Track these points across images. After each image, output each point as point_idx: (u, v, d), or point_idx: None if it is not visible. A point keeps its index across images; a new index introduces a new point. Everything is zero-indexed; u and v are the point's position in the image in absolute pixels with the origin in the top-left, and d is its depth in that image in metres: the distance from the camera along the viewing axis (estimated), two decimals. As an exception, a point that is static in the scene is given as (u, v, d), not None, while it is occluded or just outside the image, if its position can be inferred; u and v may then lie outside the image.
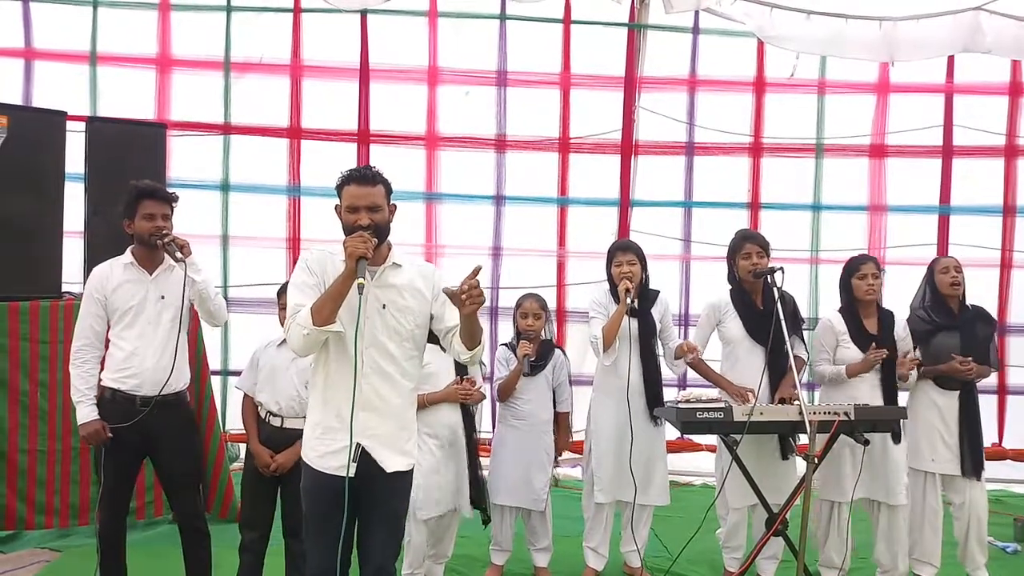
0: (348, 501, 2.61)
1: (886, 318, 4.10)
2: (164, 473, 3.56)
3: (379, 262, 2.77)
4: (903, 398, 4.16)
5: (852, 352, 4.01)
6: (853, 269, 4.09)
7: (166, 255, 3.42)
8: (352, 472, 2.68)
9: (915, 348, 4.15)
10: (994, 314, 5.04)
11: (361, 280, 2.55)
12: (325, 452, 2.74)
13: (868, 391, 3.98)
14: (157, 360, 3.38)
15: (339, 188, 2.77)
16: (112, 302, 3.41)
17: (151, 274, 3.44)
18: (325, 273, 2.73)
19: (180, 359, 3.45)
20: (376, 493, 2.77)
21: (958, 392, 4.06)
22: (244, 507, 3.67)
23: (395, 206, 2.84)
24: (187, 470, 3.56)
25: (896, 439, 3.93)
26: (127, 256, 3.46)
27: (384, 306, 2.75)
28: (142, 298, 3.40)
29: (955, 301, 4.13)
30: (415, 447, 2.92)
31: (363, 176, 2.74)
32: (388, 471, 2.75)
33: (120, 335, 3.41)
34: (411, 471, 2.87)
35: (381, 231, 2.72)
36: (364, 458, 2.73)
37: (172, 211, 3.50)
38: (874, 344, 3.96)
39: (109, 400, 3.39)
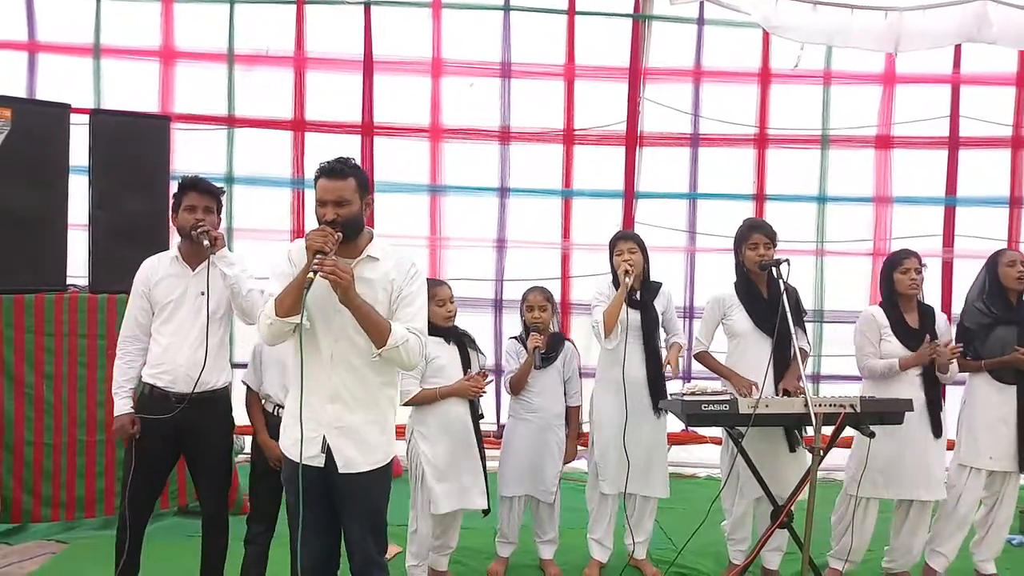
0: (302, 490, 2.66)
1: (927, 313, 4.06)
2: (196, 468, 3.55)
3: (354, 255, 2.77)
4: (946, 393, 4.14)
5: (894, 345, 3.98)
6: (896, 263, 4.06)
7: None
8: (317, 464, 2.74)
9: (972, 342, 4.11)
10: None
11: (311, 275, 2.55)
12: (295, 440, 2.75)
13: (909, 387, 3.93)
14: (190, 356, 3.34)
15: (315, 181, 2.77)
16: (154, 295, 3.40)
17: (193, 269, 3.41)
18: (302, 265, 2.72)
19: (216, 356, 3.42)
20: (347, 487, 2.78)
21: (1015, 387, 4.03)
22: (252, 501, 3.66)
23: (371, 199, 2.83)
24: (218, 469, 3.55)
25: (937, 433, 3.92)
26: (174, 250, 3.46)
27: (305, 297, 2.67)
28: (181, 293, 3.39)
29: (1015, 295, 4.08)
30: (390, 441, 2.89)
31: (331, 170, 2.73)
32: (342, 471, 2.74)
33: (159, 330, 3.40)
34: (383, 467, 2.85)
35: (349, 225, 2.70)
36: (332, 452, 2.75)
37: (220, 205, 3.48)
38: (928, 338, 3.92)
39: (147, 396, 3.39)
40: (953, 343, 4.00)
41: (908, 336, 3.98)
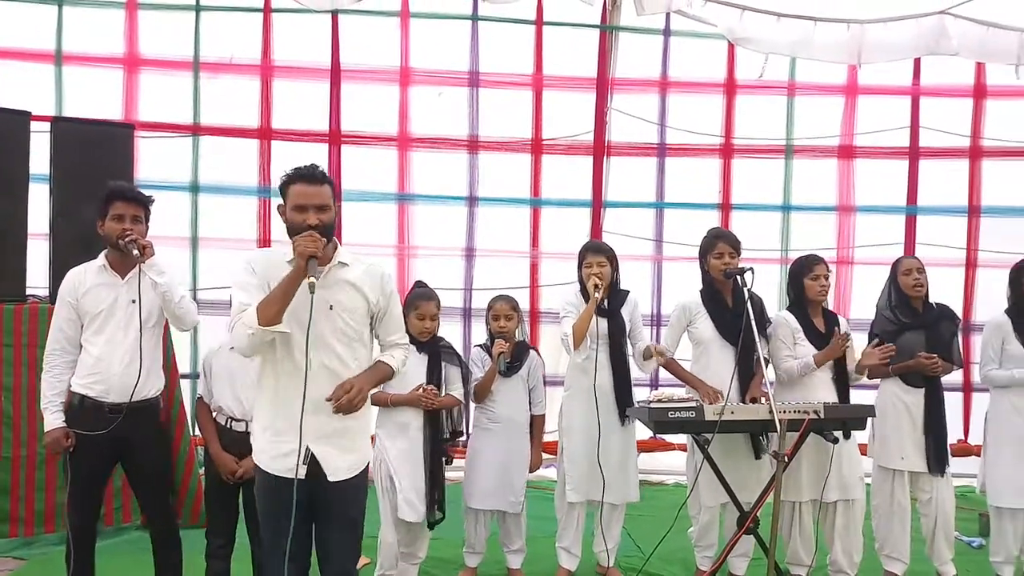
0: (296, 503, 2.62)
1: (830, 318, 4.16)
2: (135, 479, 3.50)
3: (324, 261, 2.75)
4: (863, 396, 4.22)
5: (807, 348, 4.05)
6: (806, 269, 4.13)
7: None
8: (302, 474, 2.69)
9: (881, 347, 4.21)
10: (959, 312, 5.10)
11: (312, 279, 2.55)
12: (276, 455, 2.73)
13: (824, 390, 4.02)
14: (125, 366, 3.30)
15: (284, 186, 2.75)
16: (83, 306, 3.34)
17: (123, 278, 3.36)
18: (268, 275, 2.70)
19: (151, 365, 3.38)
20: (329, 497, 2.76)
21: (924, 390, 4.12)
22: (209, 514, 3.63)
23: (338, 206, 2.84)
24: (159, 476, 3.50)
25: (847, 434, 3.96)
26: (101, 259, 3.40)
27: (331, 307, 2.72)
28: (112, 302, 3.33)
29: (919, 301, 4.18)
30: (368, 445, 2.92)
31: (312, 175, 2.72)
32: (330, 479, 2.74)
33: (90, 340, 3.34)
34: (362, 474, 2.85)
35: (328, 231, 2.70)
36: (315, 461, 2.72)
37: (148, 214, 3.43)
38: (837, 331, 4.01)
39: (78, 406, 3.33)
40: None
41: (817, 339, 4.06)
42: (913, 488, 4.18)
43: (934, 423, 4.10)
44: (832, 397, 4.01)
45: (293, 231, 2.69)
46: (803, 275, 4.12)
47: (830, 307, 4.29)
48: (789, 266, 4.29)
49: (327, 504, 2.76)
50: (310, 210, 2.68)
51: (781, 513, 4.08)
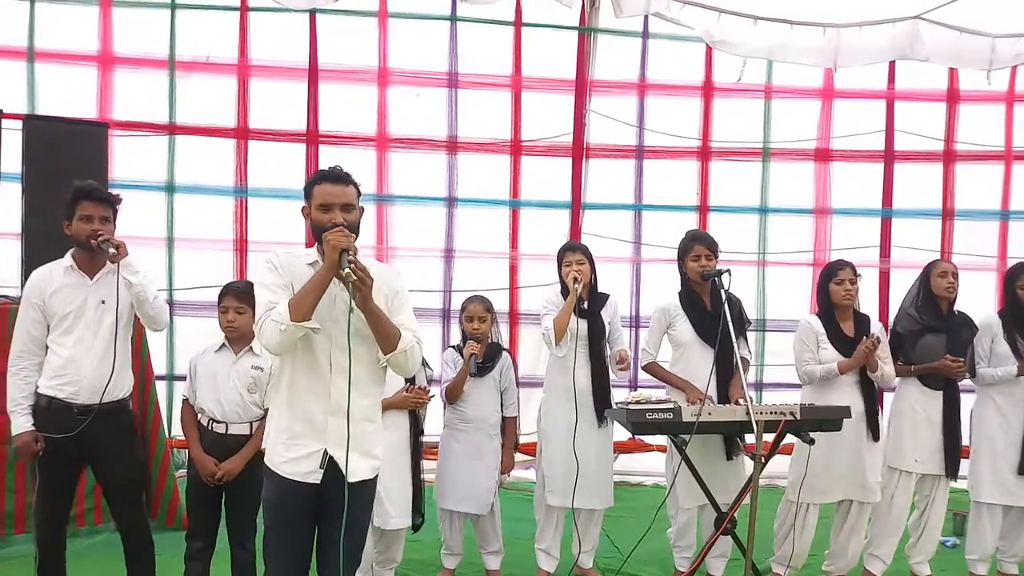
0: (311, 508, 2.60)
1: (862, 322, 4.17)
2: (105, 482, 3.45)
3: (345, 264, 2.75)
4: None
5: (831, 353, 4.07)
6: (831, 274, 4.15)
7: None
8: (319, 479, 2.67)
9: (903, 347, 4.24)
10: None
11: (348, 271, 2.51)
12: (292, 458, 2.69)
13: (849, 393, 4.03)
14: (96, 367, 3.26)
15: (309, 187, 2.74)
16: (50, 307, 3.28)
17: (92, 278, 3.32)
18: (292, 275, 2.69)
19: (121, 366, 3.33)
20: (343, 501, 2.73)
21: (942, 392, 4.17)
22: (189, 516, 3.59)
23: (362, 208, 2.83)
24: (129, 479, 3.45)
25: (875, 437, 4.02)
26: (67, 259, 3.34)
27: (352, 309, 2.70)
28: (81, 303, 3.29)
29: (945, 304, 4.23)
30: (381, 450, 2.89)
31: (337, 176, 2.73)
32: (350, 480, 2.68)
33: (58, 341, 3.28)
34: (375, 478, 2.84)
35: (354, 231, 2.69)
36: (333, 465, 2.69)
37: (115, 213, 3.38)
38: (865, 337, 3.99)
39: (45, 408, 3.27)
40: (885, 349, 4.11)
41: (844, 344, 4.07)
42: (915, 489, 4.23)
43: (951, 426, 4.14)
44: (857, 401, 4.02)
45: (318, 230, 2.68)
46: (829, 280, 4.14)
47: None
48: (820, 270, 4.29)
49: (338, 509, 2.68)
50: (335, 208, 2.67)
51: (786, 514, 4.17)
